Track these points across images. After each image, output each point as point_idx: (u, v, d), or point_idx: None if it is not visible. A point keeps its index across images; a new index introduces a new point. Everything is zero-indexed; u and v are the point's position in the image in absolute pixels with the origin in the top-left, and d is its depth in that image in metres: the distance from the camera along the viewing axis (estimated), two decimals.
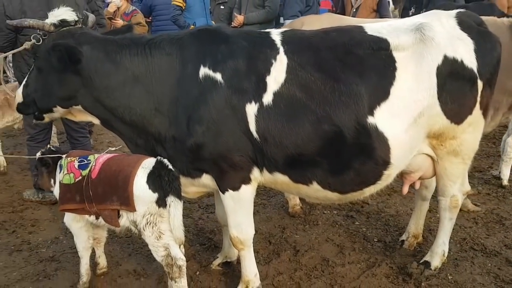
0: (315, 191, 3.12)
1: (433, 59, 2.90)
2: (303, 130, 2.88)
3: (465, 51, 2.96)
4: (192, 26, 6.97)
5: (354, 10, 7.32)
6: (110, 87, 2.99)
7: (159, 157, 2.96)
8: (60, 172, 3.11)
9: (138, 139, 3.16)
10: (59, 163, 3.14)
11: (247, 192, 3.10)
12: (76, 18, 3.02)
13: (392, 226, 4.36)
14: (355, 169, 2.97)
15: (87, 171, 2.99)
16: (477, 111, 3.09)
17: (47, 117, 3.20)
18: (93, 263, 3.55)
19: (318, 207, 4.79)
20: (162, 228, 2.91)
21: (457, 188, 3.38)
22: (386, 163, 2.97)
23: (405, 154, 3.03)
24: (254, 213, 4.47)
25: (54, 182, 3.18)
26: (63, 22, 2.96)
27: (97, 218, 3.08)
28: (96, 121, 3.21)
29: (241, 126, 2.90)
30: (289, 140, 2.90)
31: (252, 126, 2.90)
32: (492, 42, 3.07)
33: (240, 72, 2.91)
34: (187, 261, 3.71)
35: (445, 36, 2.95)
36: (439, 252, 3.57)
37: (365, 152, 2.92)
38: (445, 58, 2.91)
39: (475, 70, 2.97)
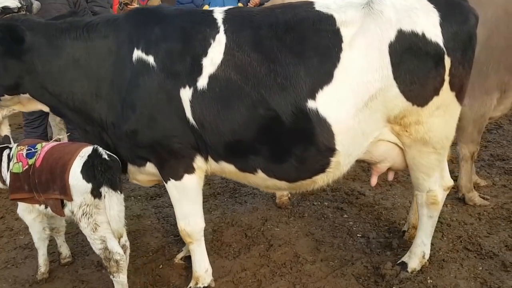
0: (263, 179, 2.89)
1: (383, 35, 2.54)
2: (238, 115, 2.65)
3: (428, 23, 2.56)
4: (206, 6, 6.84)
5: None
6: (52, 73, 2.90)
7: (95, 146, 2.85)
8: (8, 162, 3.09)
9: (86, 125, 3.05)
10: (5, 152, 3.12)
11: (191, 181, 2.92)
12: (19, 5, 2.96)
13: (383, 221, 3.99)
14: (297, 156, 2.70)
15: (33, 159, 2.95)
16: (446, 92, 2.68)
17: None
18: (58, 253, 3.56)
19: (309, 198, 4.50)
20: (98, 219, 2.80)
21: (433, 181, 2.98)
22: (331, 150, 2.67)
23: (355, 141, 2.70)
24: (241, 203, 4.44)
25: (0, 175, 3.16)
26: (5, 9, 2.90)
27: (46, 207, 3.03)
28: (46, 109, 3.15)
29: (176, 111, 2.72)
30: (225, 126, 2.69)
31: (188, 112, 2.70)
32: (464, 13, 2.64)
33: (174, 54, 2.72)
34: (156, 252, 3.71)
35: (399, 9, 2.56)
36: (417, 253, 3.18)
37: (306, 138, 2.64)
38: (400, 33, 2.53)
39: (441, 44, 2.56)
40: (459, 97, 2.75)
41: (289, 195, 4.41)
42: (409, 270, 3.17)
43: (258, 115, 2.62)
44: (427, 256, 3.19)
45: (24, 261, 3.64)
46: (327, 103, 2.58)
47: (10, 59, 2.86)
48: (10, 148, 3.15)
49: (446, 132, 2.82)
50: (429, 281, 3.14)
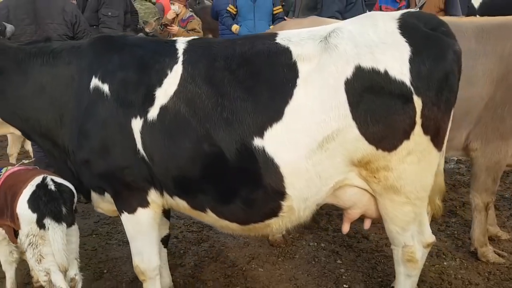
0: (215, 220, 2.70)
1: (338, 71, 2.27)
2: (184, 150, 2.49)
3: (393, 59, 2.26)
4: (235, 26, 6.84)
5: (417, 8, 6.42)
6: (21, 98, 2.90)
7: (45, 175, 2.80)
8: None
9: (54, 151, 3.02)
10: None
11: (145, 216, 2.78)
12: None
13: (378, 271, 3.60)
14: (243, 198, 2.49)
15: None
16: (419, 136, 2.33)
17: None
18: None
19: (306, 238, 4.19)
20: (44, 251, 2.72)
21: (409, 236, 2.61)
22: (280, 194, 2.43)
23: (311, 185, 2.42)
24: (233, 237, 4.22)
25: None
26: None
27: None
28: (18, 132, 3.16)
29: (128, 142, 2.61)
30: (172, 161, 2.54)
31: (139, 144, 2.59)
32: (440, 49, 2.30)
33: (129, 83, 2.62)
34: (130, 282, 3.58)
35: (360, 43, 2.29)
36: None
37: (252, 179, 2.43)
38: (358, 70, 2.26)
39: (408, 83, 2.25)
40: (436, 142, 2.39)
41: (283, 232, 4.13)
42: None
43: (203, 151, 2.44)
44: None
45: (2, 280, 3.65)
46: (275, 142, 2.34)
47: None
48: None
49: (422, 180, 2.46)
50: None
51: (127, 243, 4.11)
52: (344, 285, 3.45)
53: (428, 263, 3.65)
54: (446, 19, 3.30)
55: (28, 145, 5.79)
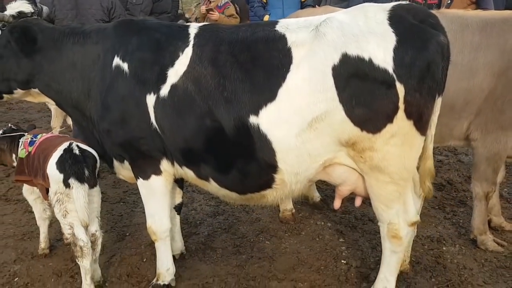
0: (216, 189, 3.00)
1: (326, 58, 2.48)
2: (189, 124, 2.79)
3: (378, 48, 2.44)
4: (267, 16, 7.03)
5: (449, 1, 6.39)
6: (55, 72, 3.27)
7: (71, 141, 3.18)
8: (19, 147, 3.55)
9: (82, 121, 3.39)
10: (22, 139, 3.58)
11: (158, 182, 3.11)
12: (32, 10, 3.39)
13: (377, 251, 3.75)
14: (239, 169, 2.78)
15: (32, 148, 3.38)
16: (402, 120, 2.51)
17: (6, 97, 3.62)
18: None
19: (314, 217, 4.43)
20: (68, 207, 3.11)
21: (393, 213, 2.80)
22: (272, 167, 2.69)
23: (300, 160, 2.66)
24: (247, 212, 4.52)
25: (16, 157, 3.62)
26: (20, 14, 3.34)
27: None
28: (52, 103, 3.57)
29: (143, 116, 2.92)
30: (179, 133, 2.85)
31: (152, 117, 2.90)
32: (424, 39, 2.45)
33: (146, 63, 2.93)
34: (147, 246, 3.94)
35: (347, 32, 2.48)
36: None
37: (247, 153, 2.70)
38: (345, 57, 2.45)
39: (390, 71, 2.43)
40: (419, 126, 2.55)
41: (293, 210, 4.38)
42: None
43: (205, 125, 2.73)
44: None
45: (37, 236, 4.10)
46: (269, 120, 2.59)
47: (24, 58, 3.29)
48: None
49: (405, 162, 2.63)
50: None
51: None
52: (342, 261, 3.66)
53: (427, 247, 3.82)
54: (451, 12, 3.44)
55: (70, 119, 6.30)
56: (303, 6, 6.73)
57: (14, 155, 3.62)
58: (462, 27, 3.28)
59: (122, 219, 4.42)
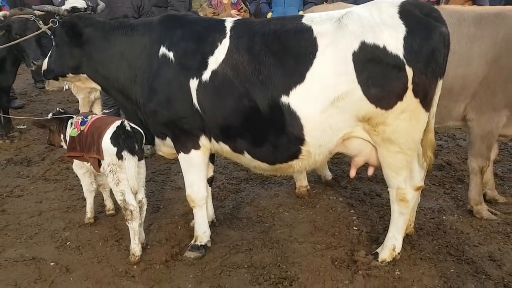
0: (249, 160, 3.46)
1: (348, 45, 2.96)
2: (228, 104, 3.26)
3: (390, 37, 2.92)
4: (270, 14, 7.48)
5: None
6: (104, 60, 3.75)
7: (123, 120, 3.66)
8: (70, 128, 4.02)
9: (126, 104, 3.86)
10: (70, 121, 4.05)
11: (197, 156, 3.59)
12: (85, 6, 3.87)
13: (385, 220, 4.24)
14: (271, 142, 3.24)
15: (84, 127, 3.85)
16: (410, 98, 3.00)
17: (61, 79, 4.11)
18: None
19: (327, 193, 4.91)
20: (120, 177, 3.59)
21: (401, 179, 3.29)
22: (300, 140, 3.16)
23: (324, 134, 3.14)
24: (266, 189, 5.02)
25: (64, 138, 4.07)
26: (74, 9, 3.83)
27: (90, 164, 3.92)
28: (98, 87, 4.04)
29: (186, 98, 3.40)
30: (219, 113, 3.32)
31: (194, 99, 3.37)
32: (429, 30, 2.94)
33: (189, 52, 3.40)
34: (180, 216, 4.42)
35: (365, 24, 2.96)
36: (388, 246, 3.50)
37: (279, 128, 3.17)
38: (363, 44, 2.93)
39: (401, 56, 2.91)
40: (424, 103, 3.04)
41: (308, 187, 4.87)
42: (379, 260, 3.49)
43: (243, 105, 3.21)
44: (397, 250, 3.48)
45: (81, 209, 4.59)
46: (298, 99, 3.08)
47: (75, 47, 3.77)
48: (73, 118, 4.08)
49: (412, 134, 3.12)
50: (396, 272, 3.43)
51: (178, 188, 5.04)
52: (354, 228, 4.16)
53: (428, 217, 4.32)
54: (450, 7, 3.93)
55: (96, 109, 6.77)
56: (305, 2, 7.16)
57: (62, 135, 4.08)
58: (460, 21, 3.76)
59: (154, 195, 4.90)
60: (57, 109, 4.15)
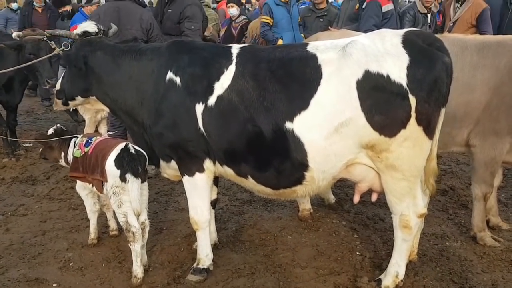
0: (253, 184, 3.49)
1: (352, 74, 3.01)
2: (233, 129, 3.30)
3: (394, 66, 2.97)
4: (280, 41, 7.55)
5: (451, 24, 6.97)
6: (113, 83, 3.79)
7: (127, 143, 3.70)
8: (73, 148, 4.05)
9: (133, 126, 3.90)
10: (73, 141, 4.06)
11: (201, 179, 3.61)
12: (97, 30, 3.93)
13: (388, 245, 4.22)
14: (275, 167, 3.27)
15: (88, 148, 3.89)
16: (413, 126, 3.03)
17: (71, 104, 4.16)
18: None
19: (330, 216, 4.91)
20: (123, 199, 3.62)
21: (405, 206, 3.29)
22: (304, 165, 3.19)
23: (327, 160, 3.16)
24: (269, 212, 5.03)
25: (65, 157, 4.08)
26: (85, 33, 3.89)
27: (93, 186, 3.95)
28: (107, 109, 4.10)
29: (192, 121, 3.44)
30: (224, 137, 3.36)
31: (200, 123, 3.42)
32: (432, 60, 2.99)
33: (196, 77, 3.45)
34: (183, 238, 4.43)
35: (369, 52, 3.01)
36: (391, 272, 3.48)
37: (283, 153, 3.20)
38: (367, 73, 2.98)
39: (404, 85, 2.96)
40: (427, 131, 3.07)
41: (311, 210, 4.88)
42: (382, 287, 3.47)
43: (247, 130, 3.24)
44: (400, 277, 3.46)
45: (84, 229, 4.60)
46: (302, 125, 3.11)
47: (84, 71, 3.79)
48: (77, 137, 4.12)
49: (415, 162, 3.15)
50: None
51: (181, 209, 5.05)
52: (357, 253, 4.15)
53: (432, 243, 4.31)
54: (453, 36, 3.99)
55: (101, 129, 6.84)
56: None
57: (63, 153, 4.10)
58: (462, 49, 3.82)
59: (157, 216, 4.91)
60: (57, 125, 4.19)
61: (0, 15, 11.46)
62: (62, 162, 4.15)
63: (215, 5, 12.43)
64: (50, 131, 4.15)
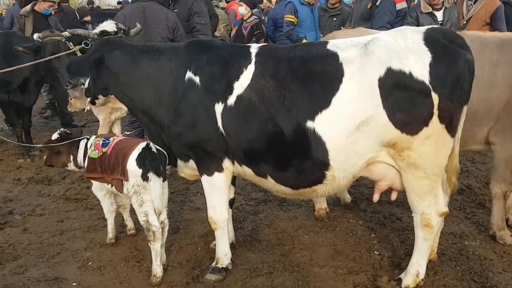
0: (272, 184, 3.47)
1: (374, 71, 2.99)
2: (253, 128, 3.29)
3: (416, 64, 2.94)
4: (304, 40, 7.53)
5: (465, 22, 6.89)
6: (131, 83, 3.78)
7: (148, 142, 3.71)
8: (84, 150, 4.04)
9: (151, 125, 3.90)
10: (82, 143, 4.04)
11: (220, 179, 3.60)
12: (116, 29, 3.93)
13: (406, 244, 4.22)
14: (296, 167, 3.25)
15: (106, 148, 3.90)
16: (435, 124, 3.00)
17: (97, 102, 4.11)
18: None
19: (347, 216, 4.89)
20: (144, 198, 3.62)
21: (426, 205, 3.27)
22: (325, 164, 3.17)
23: (349, 159, 3.14)
24: (284, 211, 5.02)
25: (74, 160, 4.06)
26: (103, 32, 3.89)
27: (111, 186, 3.96)
28: (125, 108, 4.11)
29: (211, 121, 3.43)
30: (243, 136, 3.35)
31: (219, 123, 3.41)
32: (454, 57, 2.97)
33: (215, 77, 3.45)
34: (200, 237, 4.44)
35: (392, 50, 2.99)
36: (412, 272, 3.46)
37: (303, 153, 3.18)
38: (389, 70, 2.96)
39: (427, 82, 2.93)
40: (450, 129, 3.04)
41: (327, 209, 4.86)
42: (403, 286, 3.44)
43: (267, 129, 3.23)
44: (421, 276, 3.43)
45: (102, 228, 4.62)
46: (323, 124, 3.09)
47: (103, 70, 3.82)
48: (88, 139, 4.10)
49: (437, 160, 3.12)
50: None
51: (197, 209, 5.06)
52: (375, 252, 4.12)
53: (451, 242, 4.28)
54: (473, 33, 3.96)
55: (115, 129, 6.87)
56: None
57: (72, 156, 4.08)
58: (482, 46, 3.79)
59: (173, 216, 4.92)
60: (61, 129, 4.18)
61: (7, 12, 11.42)
62: (70, 166, 4.12)
63: (222, 5, 12.42)
64: (55, 135, 4.12)
